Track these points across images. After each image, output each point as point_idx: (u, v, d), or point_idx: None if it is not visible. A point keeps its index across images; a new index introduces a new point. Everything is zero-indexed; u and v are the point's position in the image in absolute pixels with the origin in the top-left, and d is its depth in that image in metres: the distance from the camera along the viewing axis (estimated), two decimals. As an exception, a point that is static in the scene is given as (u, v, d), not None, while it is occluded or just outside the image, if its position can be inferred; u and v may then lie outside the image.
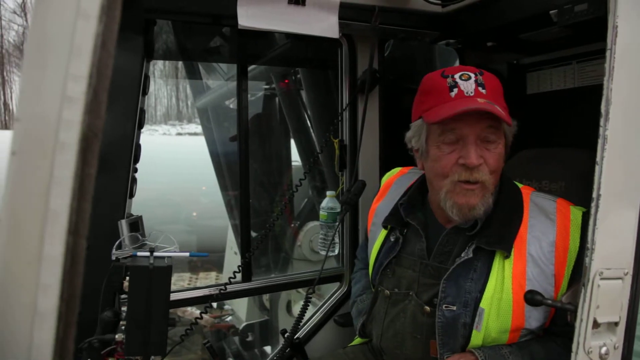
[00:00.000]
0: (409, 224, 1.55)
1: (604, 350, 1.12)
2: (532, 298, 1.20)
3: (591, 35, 1.97)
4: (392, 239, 1.59)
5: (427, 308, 1.43)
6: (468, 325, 1.35)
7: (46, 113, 0.51)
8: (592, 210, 1.10)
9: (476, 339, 1.35)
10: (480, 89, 1.35)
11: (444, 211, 1.42)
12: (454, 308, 1.36)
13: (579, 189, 1.94)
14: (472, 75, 1.37)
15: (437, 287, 1.41)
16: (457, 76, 1.37)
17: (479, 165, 1.33)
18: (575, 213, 1.38)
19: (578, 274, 1.26)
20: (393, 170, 1.86)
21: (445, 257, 1.44)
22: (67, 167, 0.51)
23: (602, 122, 1.10)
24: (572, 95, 2.15)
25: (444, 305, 1.38)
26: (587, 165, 1.95)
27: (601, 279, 1.11)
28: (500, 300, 1.32)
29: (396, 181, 1.77)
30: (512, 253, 1.34)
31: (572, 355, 1.11)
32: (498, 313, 1.33)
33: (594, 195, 1.10)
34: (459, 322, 1.36)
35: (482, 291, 1.34)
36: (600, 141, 1.11)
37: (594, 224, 1.10)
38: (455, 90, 1.35)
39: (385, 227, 1.65)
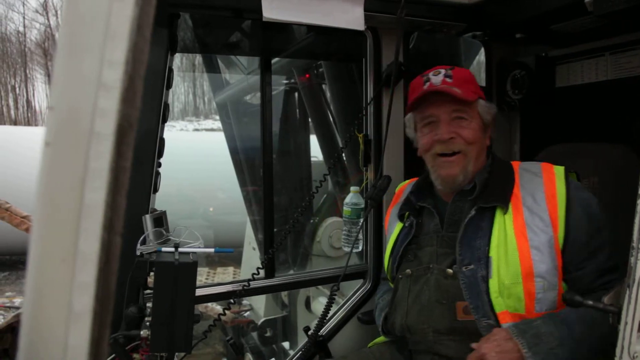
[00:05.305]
0: (422, 209, 1.72)
1: (649, 354, 1.07)
2: (571, 299, 1.15)
3: (627, 25, 1.90)
4: (407, 225, 1.74)
5: (450, 270, 1.55)
6: (484, 277, 1.48)
7: (81, 101, 0.48)
8: (638, 208, 1.04)
9: (493, 288, 1.46)
10: (447, 79, 1.59)
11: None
12: (472, 266, 1.50)
13: (613, 184, 1.88)
14: (443, 70, 1.62)
15: (453, 255, 1.56)
16: (430, 74, 1.63)
17: (452, 138, 1.56)
18: (558, 169, 1.56)
19: (573, 221, 1.45)
20: (406, 181, 1.99)
21: (456, 225, 1.60)
22: (103, 159, 0.49)
23: (649, 114, 1.04)
24: (604, 88, 2.08)
25: (463, 267, 1.51)
26: (621, 161, 1.89)
27: (647, 279, 1.05)
28: (507, 250, 1.46)
29: (407, 187, 1.90)
30: (510, 208, 1.51)
31: (616, 359, 1.06)
32: (507, 260, 1.46)
33: (640, 191, 1.05)
34: (477, 276, 1.49)
35: (489, 244, 1.50)
36: (646, 134, 1.05)
37: (640, 222, 1.04)
38: (428, 83, 1.61)
39: (400, 220, 1.79)
